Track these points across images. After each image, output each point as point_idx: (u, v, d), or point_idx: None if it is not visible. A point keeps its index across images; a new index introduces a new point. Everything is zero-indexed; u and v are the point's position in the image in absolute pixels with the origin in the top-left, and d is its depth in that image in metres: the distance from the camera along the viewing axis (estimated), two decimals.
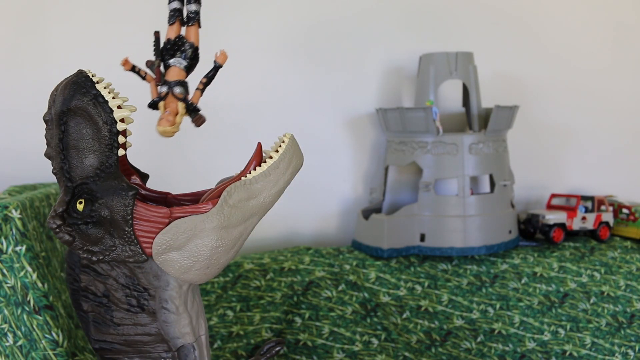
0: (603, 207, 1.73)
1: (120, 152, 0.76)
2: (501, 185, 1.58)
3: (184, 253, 0.78)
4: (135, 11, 1.53)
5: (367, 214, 1.61)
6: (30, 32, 1.45)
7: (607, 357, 1.39)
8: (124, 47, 1.52)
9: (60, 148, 0.74)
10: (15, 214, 0.94)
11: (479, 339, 1.39)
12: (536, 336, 1.41)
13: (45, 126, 0.76)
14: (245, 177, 0.81)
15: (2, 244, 0.92)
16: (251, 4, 1.63)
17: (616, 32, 2.00)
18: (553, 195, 1.76)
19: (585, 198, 1.72)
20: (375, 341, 1.34)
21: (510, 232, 1.59)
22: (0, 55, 1.44)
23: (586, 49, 1.97)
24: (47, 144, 0.77)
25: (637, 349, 1.41)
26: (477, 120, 1.66)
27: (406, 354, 1.32)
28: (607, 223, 1.70)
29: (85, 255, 0.77)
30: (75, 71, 0.75)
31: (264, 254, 1.51)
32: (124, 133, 0.77)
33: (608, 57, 2.00)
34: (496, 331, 1.41)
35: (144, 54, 1.56)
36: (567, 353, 1.38)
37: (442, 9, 1.81)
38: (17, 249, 0.92)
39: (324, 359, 1.29)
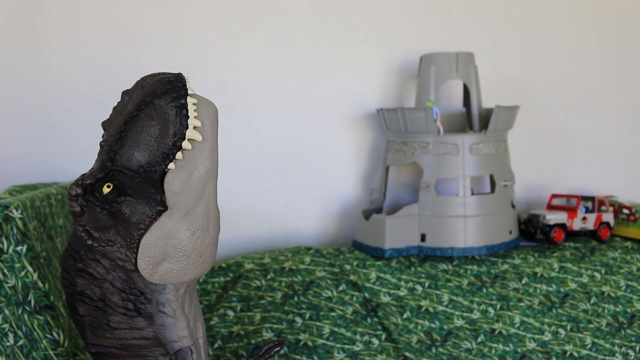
0: (603, 208, 1.73)
1: (171, 165, 0.75)
2: (502, 185, 1.58)
3: (172, 258, 0.77)
4: (136, 11, 1.53)
5: (367, 214, 1.61)
6: (30, 33, 1.45)
7: (607, 358, 1.39)
8: (124, 47, 1.52)
9: (121, 128, 0.72)
10: (16, 214, 0.94)
11: (479, 339, 1.39)
12: (537, 336, 1.40)
13: (120, 99, 0.74)
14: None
15: (3, 243, 0.92)
16: (252, 4, 1.63)
17: (616, 33, 2.00)
18: (553, 196, 1.76)
19: (585, 198, 1.72)
20: (375, 341, 1.34)
21: (510, 232, 1.59)
22: (0, 56, 1.44)
23: (587, 50, 1.97)
24: (112, 115, 0.75)
25: (637, 349, 1.41)
26: (478, 120, 1.66)
27: (407, 354, 1.32)
28: (607, 223, 1.70)
29: (83, 234, 0.75)
30: (175, 73, 0.73)
31: (265, 254, 1.51)
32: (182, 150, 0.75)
33: (608, 58, 2.00)
34: (497, 331, 1.41)
35: (143, 54, 1.56)
36: (568, 353, 1.38)
37: (442, 9, 1.81)
38: (18, 248, 0.92)
39: (325, 358, 1.29)
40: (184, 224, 0.76)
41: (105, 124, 0.76)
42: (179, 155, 0.76)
